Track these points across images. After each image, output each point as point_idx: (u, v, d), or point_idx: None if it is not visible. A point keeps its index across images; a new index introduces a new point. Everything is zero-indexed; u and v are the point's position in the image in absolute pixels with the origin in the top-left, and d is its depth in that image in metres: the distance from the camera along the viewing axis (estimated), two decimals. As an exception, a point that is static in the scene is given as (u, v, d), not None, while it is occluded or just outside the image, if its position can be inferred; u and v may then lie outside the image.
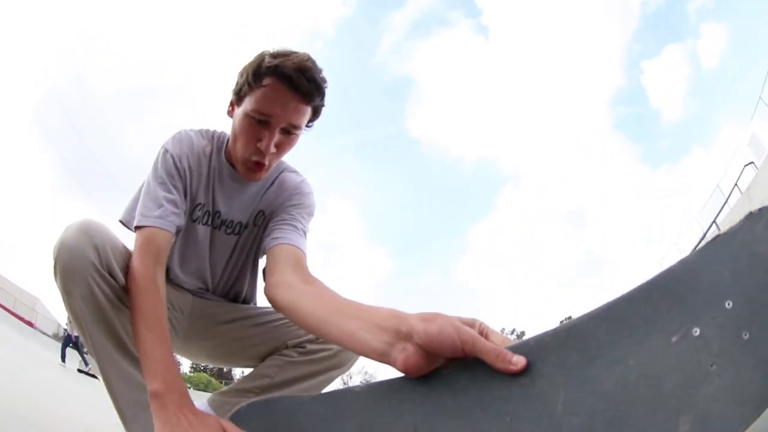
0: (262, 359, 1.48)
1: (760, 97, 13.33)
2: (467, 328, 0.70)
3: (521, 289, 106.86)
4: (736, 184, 12.47)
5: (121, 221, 1.36)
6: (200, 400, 1.37)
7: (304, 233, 1.37)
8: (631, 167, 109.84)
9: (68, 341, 13.89)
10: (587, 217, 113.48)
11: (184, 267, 1.45)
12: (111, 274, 1.18)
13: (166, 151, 1.32)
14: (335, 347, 1.40)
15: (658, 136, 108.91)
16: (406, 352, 0.74)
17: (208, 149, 1.40)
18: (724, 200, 12.60)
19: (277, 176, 1.47)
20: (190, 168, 1.35)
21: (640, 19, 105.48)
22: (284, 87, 1.20)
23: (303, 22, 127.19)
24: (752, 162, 12.31)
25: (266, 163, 1.28)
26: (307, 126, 1.32)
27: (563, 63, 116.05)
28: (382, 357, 0.78)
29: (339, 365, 1.44)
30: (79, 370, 11.59)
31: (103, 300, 1.16)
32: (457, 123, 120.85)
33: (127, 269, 1.21)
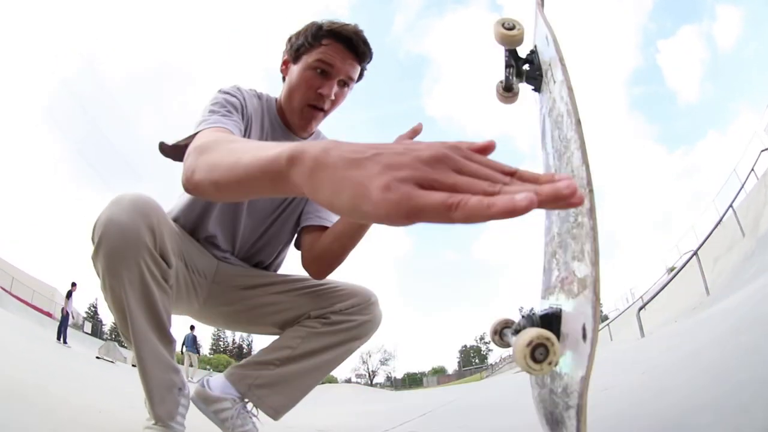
0: (282, 327, 1.51)
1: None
2: None
3: (539, 269, 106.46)
4: (752, 170, 12.44)
5: (163, 144, 1.21)
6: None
7: None
8: (648, 147, 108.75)
9: (65, 320, 13.93)
10: (604, 197, 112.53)
11: (219, 224, 1.45)
12: (164, 257, 1.18)
13: (228, 92, 1.32)
14: (359, 318, 1.48)
15: (675, 117, 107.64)
16: None
17: (260, 103, 1.44)
18: (741, 185, 12.48)
19: (316, 136, 1.54)
20: (249, 115, 1.38)
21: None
22: (343, 46, 1.34)
23: (318, 3, 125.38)
24: None
25: (325, 108, 1.38)
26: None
27: (580, 40, 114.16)
28: None
29: (360, 336, 1.49)
30: (99, 357, 11.67)
31: (152, 283, 1.15)
32: (473, 101, 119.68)
33: (173, 248, 1.22)
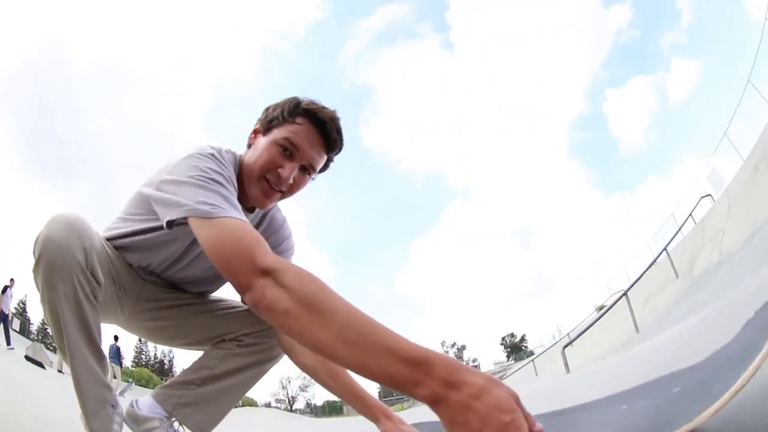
0: (200, 344, 1.61)
1: (725, 134, 13.52)
2: None
3: (465, 304, 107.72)
4: (690, 215, 12.69)
5: (193, 208, 1.10)
6: (142, 395, 1.54)
7: None
8: (584, 191, 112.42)
9: (5, 321, 12.89)
10: (535, 237, 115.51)
11: (151, 259, 1.47)
12: (93, 275, 1.24)
13: (221, 161, 1.25)
14: (270, 341, 1.56)
15: (616, 164, 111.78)
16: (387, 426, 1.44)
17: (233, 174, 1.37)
18: (677, 229, 12.72)
19: (267, 213, 1.54)
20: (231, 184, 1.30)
21: (612, 47, 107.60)
22: (316, 130, 1.31)
23: (276, 21, 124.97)
24: (709, 194, 12.62)
25: (282, 190, 1.34)
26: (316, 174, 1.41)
27: (526, 84, 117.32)
28: (375, 417, 1.47)
29: (272, 357, 1.59)
30: (27, 357, 11.18)
31: (83, 299, 1.22)
32: (410, 135, 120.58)
33: (102, 266, 1.29)
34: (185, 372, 1.55)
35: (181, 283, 1.58)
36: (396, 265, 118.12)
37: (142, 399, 1.54)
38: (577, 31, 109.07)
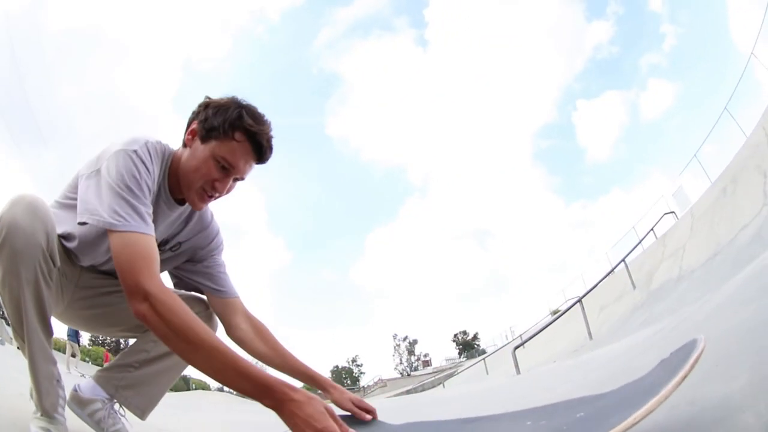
0: (136, 330, 1.65)
1: (695, 155, 13.87)
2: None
3: (419, 299, 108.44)
4: (652, 229, 13.01)
5: (101, 220, 1.24)
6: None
7: (227, 271, 1.70)
8: (546, 197, 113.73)
9: None
10: (493, 238, 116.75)
11: (88, 253, 1.47)
12: (51, 258, 1.29)
13: (144, 162, 1.33)
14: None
15: (580, 173, 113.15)
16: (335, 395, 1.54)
17: (161, 170, 1.44)
18: (638, 242, 13.02)
19: (194, 211, 1.59)
20: (151, 181, 1.38)
21: (588, 62, 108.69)
22: (252, 150, 1.40)
23: (253, 3, 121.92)
24: (673, 212, 12.96)
25: (215, 196, 1.44)
26: None
27: (496, 88, 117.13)
28: (322, 386, 1.59)
29: None
30: None
31: (43, 282, 1.26)
32: (374, 127, 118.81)
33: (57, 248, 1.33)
34: (123, 355, 1.61)
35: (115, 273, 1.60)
36: (352, 256, 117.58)
37: (83, 382, 1.60)
38: (555, 41, 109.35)
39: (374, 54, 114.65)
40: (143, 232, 1.22)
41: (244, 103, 1.41)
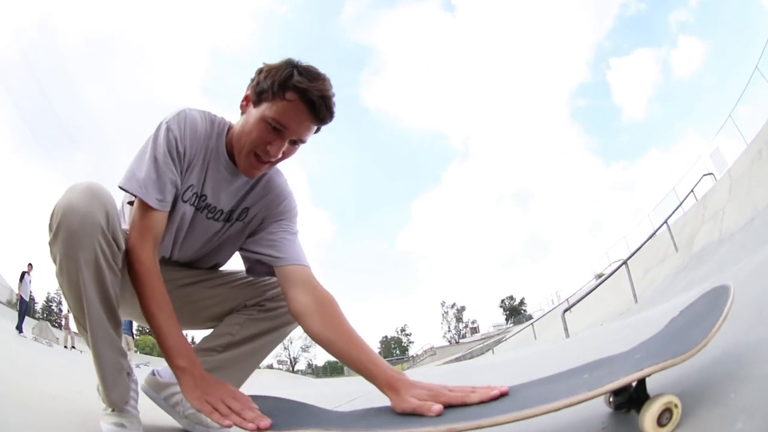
0: (219, 319, 1.61)
1: (729, 116, 13.83)
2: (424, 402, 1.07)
3: (462, 265, 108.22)
4: (692, 191, 13.04)
5: (123, 188, 1.32)
6: (146, 362, 1.58)
7: (298, 239, 1.54)
8: (584, 157, 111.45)
9: (26, 309, 12.42)
10: (534, 200, 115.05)
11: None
12: (114, 239, 1.23)
13: (170, 129, 1.34)
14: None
15: (617, 132, 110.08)
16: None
17: (209, 133, 1.43)
18: (678, 204, 13.06)
19: (263, 175, 1.53)
20: (189, 150, 1.39)
21: (616, 19, 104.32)
22: (305, 108, 1.30)
23: None
24: (711, 173, 12.94)
25: (271, 161, 1.37)
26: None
27: (528, 49, 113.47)
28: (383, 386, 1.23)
29: (293, 320, 1.56)
30: (34, 338, 11.31)
31: (104, 265, 1.21)
32: (410, 95, 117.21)
33: (123, 234, 1.30)
34: (206, 339, 1.57)
35: (188, 262, 1.60)
36: (398, 225, 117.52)
37: (162, 368, 1.56)
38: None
39: (403, 23, 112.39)
40: (152, 206, 1.29)
41: (297, 62, 1.33)
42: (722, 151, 13.66)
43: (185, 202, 1.44)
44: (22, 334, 11.33)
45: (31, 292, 12.88)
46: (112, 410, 1.30)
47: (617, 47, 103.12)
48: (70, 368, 4.89)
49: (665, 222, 12.01)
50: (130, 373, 1.36)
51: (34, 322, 16.37)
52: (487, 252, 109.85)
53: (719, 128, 14.69)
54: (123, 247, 1.27)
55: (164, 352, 1.21)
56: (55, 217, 1.15)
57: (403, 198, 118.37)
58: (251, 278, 1.61)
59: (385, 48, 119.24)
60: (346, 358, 1.29)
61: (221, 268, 1.68)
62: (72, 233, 1.14)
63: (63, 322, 17.08)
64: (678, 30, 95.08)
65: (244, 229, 1.55)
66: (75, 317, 1.26)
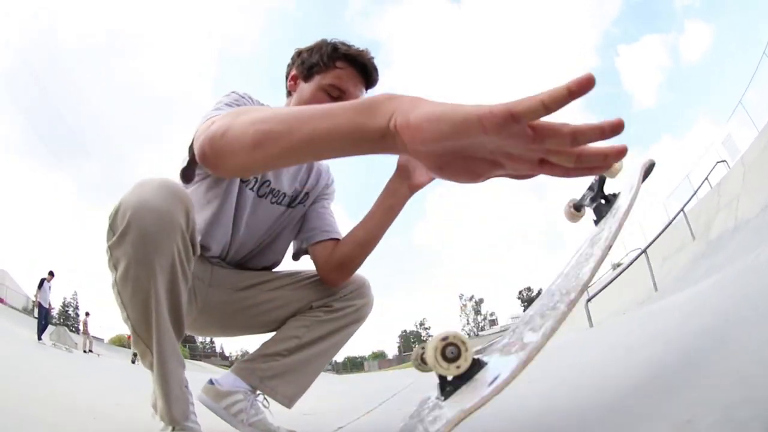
0: (283, 322, 1.53)
1: (740, 102, 13.87)
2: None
3: (479, 258, 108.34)
4: (706, 178, 13.02)
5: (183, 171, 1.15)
6: (189, 370, 1.30)
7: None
8: (597, 146, 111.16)
9: (46, 317, 12.24)
10: (549, 190, 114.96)
11: (214, 229, 1.40)
12: (192, 242, 1.10)
13: (244, 96, 1.30)
14: (358, 302, 1.55)
15: (628, 120, 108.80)
16: (404, 187, 1.41)
17: None
18: (693, 192, 13.11)
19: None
20: None
21: (623, 5, 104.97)
22: (357, 71, 1.38)
23: None
24: (724, 160, 12.95)
25: None
26: None
27: (536, 37, 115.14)
28: (402, 197, 1.42)
29: (360, 319, 1.57)
30: (54, 344, 11.36)
31: (180, 272, 1.07)
32: (419, 88, 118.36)
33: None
34: (267, 344, 1.49)
35: (245, 259, 1.54)
36: (413, 219, 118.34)
37: (221, 377, 1.49)
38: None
39: (409, 15, 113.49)
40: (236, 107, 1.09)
41: (336, 39, 1.40)
42: (734, 138, 13.64)
43: (250, 189, 1.44)
44: (41, 341, 11.27)
45: (50, 301, 12.63)
46: (173, 428, 1.17)
47: (625, 34, 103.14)
48: (97, 376, 4.94)
49: (681, 210, 12.02)
50: (187, 385, 1.25)
51: (52, 327, 15.80)
52: (504, 243, 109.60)
53: (730, 114, 14.75)
54: (198, 250, 1.15)
55: (343, 134, 0.64)
56: (122, 215, 0.99)
57: (418, 193, 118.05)
58: (316, 277, 1.55)
59: (392, 42, 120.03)
60: (371, 233, 1.44)
61: (278, 269, 1.63)
62: (147, 234, 0.98)
63: (81, 327, 17.43)
64: (684, 14, 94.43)
65: (303, 214, 1.57)
66: (134, 330, 1.08)
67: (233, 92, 1.30)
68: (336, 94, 1.36)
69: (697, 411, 0.70)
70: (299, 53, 1.43)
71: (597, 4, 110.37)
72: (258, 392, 1.46)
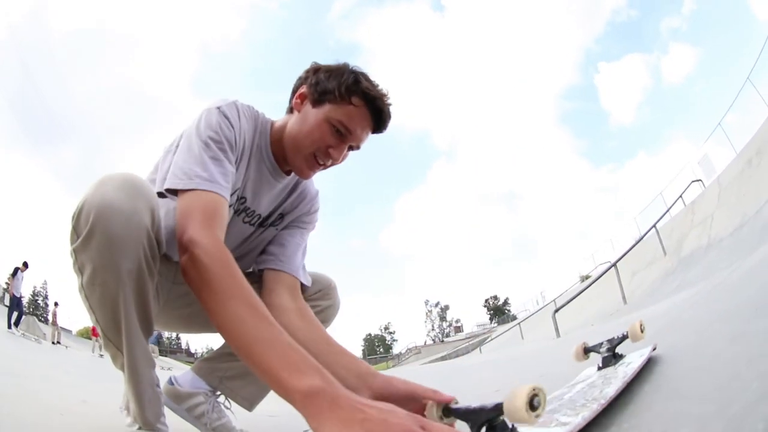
0: None
1: (719, 124, 14.02)
2: (413, 383, 0.94)
3: (447, 264, 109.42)
4: (680, 196, 13.24)
5: (168, 190, 1.10)
6: (169, 366, 1.42)
7: (305, 250, 1.48)
8: (572, 160, 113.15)
9: (19, 305, 12.22)
10: (520, 201, 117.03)
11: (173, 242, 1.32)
12: (157, 240, 1.07)
13: (227, 117, 1.21)
14: (322, 303, 1.49)
15: (605, 136, 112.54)
16: (366, 394, 0.97)
17: (254, 129, 1.33)
18: (666, 209, 13.24)
19: (300, 181, 1.49)
20: (242, 146, 1.28)
21: (608, 25, 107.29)
22: (370, 115, 1.27)
23: None
24: (700, 179, 13.19)
25: (324, 166, 1.31)
26: None
27: (517, 50, 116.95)
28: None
29: (325, 321, 1.49)
30: (19, 331, 11.20)
31: (147, 273, 1.04)
32: (396, 94, 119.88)
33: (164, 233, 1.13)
34: (226, 343, 1.38)
35: None
36: (381, 223, 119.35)
37: (180, 375, 1.47)
38: (573, 1, 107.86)
39: (391, 21, 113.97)
40: (208, 189, 1.05)
41: (358, 69, 1.29)
42: (711, 158, 13.91)
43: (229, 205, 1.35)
44: (10, 330, 11.18)
45: (21, 290, 12.64)
46: (142, 428, 1.16)
47: (606, 52, 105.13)
48: (62, 369, 4.88)
49: (653, 226, 12.17)
50: (158, 385, 1.21)
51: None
52: (472, 252, 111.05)
53: (708, 135, 14.93)
54: (164, 248, 1.13)
55: (268, 376, 0.77)
56: (85, 217, 0.95)
57: (387, 196, 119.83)
58: None
59: (372, 46, 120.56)
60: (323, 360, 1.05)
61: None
62: (113, 238, 0.95)
63: (51, 318, 17.23)
64: (669, 37, 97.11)
65: (271, 231, 1.48)
66: (104, 334, 1.07)
67: (219, 113, 1.20)
68: (343, 131, 1.26)
69: (670, 424, 0.75)
70: (316, 71, 1.31)
71: (582, 20, 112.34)
72: (218, 393, 1.44)
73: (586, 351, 1.48)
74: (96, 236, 0.95)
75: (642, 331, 1.37)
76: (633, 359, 1.33)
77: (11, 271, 12.51)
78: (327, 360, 1.03)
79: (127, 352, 1.07)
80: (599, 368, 1.41)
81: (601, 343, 1.45)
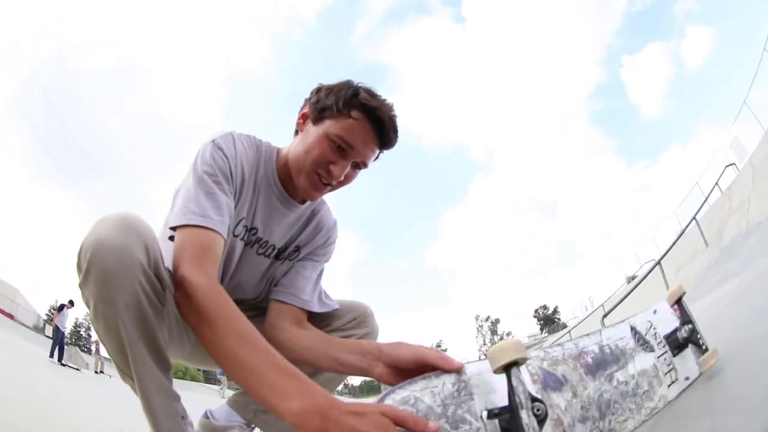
0: None
1: (744, 102, 13.63)
2: (419, 346, 1.01)
3: (494, 277, 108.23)
4: (716, 184, 12.74)
5: (174, 226, 1.14)
6: (180, 388, 1.24)
7: (318, 283, 1.46)
8: (606, 160, 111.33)
9: (62, 340, 12.64)
10: (560, 207, 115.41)
11: None
12: (157, 276, 1.07)
13: (220, 148, 1.22)
14: (358, 332, 1.48)
15: (636, 132, 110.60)
16: (379, 368, 1.08)
17: (258, 159, 1.33)
18: (704, 198, 12.82)
19: (317, 213, 1.48)
20: (240, 174, 1.27)
21: (624, 16, 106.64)
22: (372, 128, 1.22)
23: (287, 9, 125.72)
24: (733, 163, 12.66)
25: (332, 184, 1.28)
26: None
27: (541, 54, 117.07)
28: (366, 372, 1.12)
29: None
30: (62, 363, 11.49)
31: (148, 307, 1.04)
32: (428, 111, 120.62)
33: (167, 273, 1.13)
34: None
35: (240, 299, 1.45)
36: (425, 242, 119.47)
37: (216, 409, 1.47)
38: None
39: (414, 38, 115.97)
40: (199, 225, 1.09)
41: (362, 84, 1.26)
42: (741, 140, 13.40)
43: (236, 236, 1.33)
44: (51, 359, 11.65)
45: (65, 325, 13.36)
46: None
47: (627, 45, 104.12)
48: (106, 398, 4.96)
49: (693, 218, 11.83)
50: (185, 417, 1.20)
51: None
52: (517, 263, 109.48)
53: (735, 116, 14.48)
54: (168, 283, 1.12)
55: (264, 400, 0.84)
56: (84, 256, 0.99)
57: (432, 214, 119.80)
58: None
59: (399, 65, 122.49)
60: (331, 354, 1.19)
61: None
62: (106, 274, 0.97)
63: (93, 348, 17.71)
64: (684, 19, 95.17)
65: (284, 264, 1.46)
66: (116, 365, 1.09)
67: (214, 147, 1.22)
68: (343, 146, 1.23)
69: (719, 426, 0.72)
70: (318, 90, 1.30)
71: (599, 16, 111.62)
72: (253, 426, 1.45)
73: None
74: (92, 272, 0.98)
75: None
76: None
77: (57, 307, 13.28)
78: (334, 354, 1.18)
79: (138, 382, 1.07)
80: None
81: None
